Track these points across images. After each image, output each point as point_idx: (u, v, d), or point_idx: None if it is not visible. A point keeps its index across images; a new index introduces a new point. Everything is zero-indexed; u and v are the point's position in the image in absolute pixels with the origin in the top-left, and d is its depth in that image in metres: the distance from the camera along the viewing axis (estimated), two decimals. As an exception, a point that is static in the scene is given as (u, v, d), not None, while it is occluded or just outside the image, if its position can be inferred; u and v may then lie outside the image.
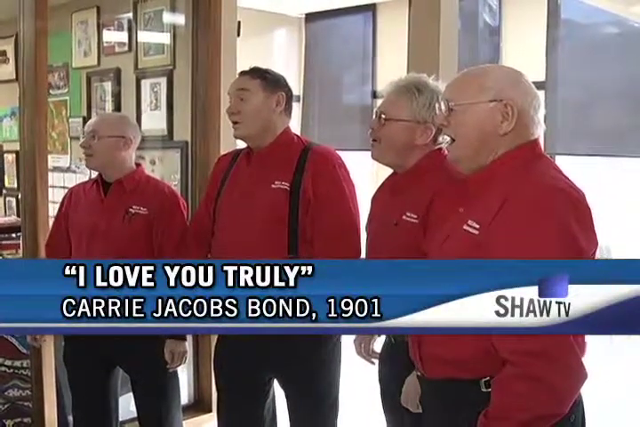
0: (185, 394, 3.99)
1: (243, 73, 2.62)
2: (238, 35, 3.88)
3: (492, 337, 1.60)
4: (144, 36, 4.23)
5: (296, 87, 8.40)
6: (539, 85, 6.98)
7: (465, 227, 1.69)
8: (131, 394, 3.35)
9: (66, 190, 4.13)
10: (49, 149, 4.85)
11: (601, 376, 4.70)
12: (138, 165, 2.98)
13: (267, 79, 2.56)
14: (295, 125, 8.28)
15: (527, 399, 1.54)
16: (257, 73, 2.57)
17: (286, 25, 8.30)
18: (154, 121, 4.17)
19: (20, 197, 3.73)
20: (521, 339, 1.53)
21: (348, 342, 2.81)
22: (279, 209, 2.49)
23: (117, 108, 4.42)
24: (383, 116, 2.24)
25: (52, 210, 3.23)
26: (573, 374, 1.56)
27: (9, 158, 5.21)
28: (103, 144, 2.83)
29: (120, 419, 3.18)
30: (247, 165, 2.63)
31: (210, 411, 3.96)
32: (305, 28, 8.39)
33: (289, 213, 2.49)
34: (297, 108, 8.50)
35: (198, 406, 4.11)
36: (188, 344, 3.60)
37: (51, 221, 3.22)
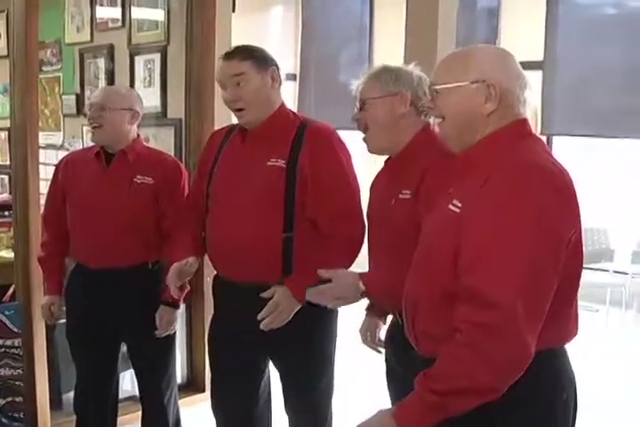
0: (179, 374, 3.97)
1: (228, 57, 2.48)
2: (233, 10, 3.81)
3: (457, 306, 1.60)
4: (138, 12, 4.16)
5: (292, 65, 8.34)
6: (537, 65, 6.95)
7: (450, 206, 1.70)
8: (125, 374, 3.36)
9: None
10: (41, 127, 4.82)
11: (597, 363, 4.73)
12: (138, 135, 2.96)
13: (256, 58, 2.46)
14: (291, 104, 8.23)
15: (465, 369, 1.55)
16: (245, 54, 2.46)
17: (283, 2, 8.22)
18: (148, 98, 4.09)
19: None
20: (476, 310, 1.55)
21: (347, 326, 2.78)
22: (275, 187, 2.44)
23: (111, 85, 4.34)
24: (362, 101, 2.26)
25: (45, 187, 3.18)
26: (516, 353, 1.55)
27: (1, 135, 5.15)
28: (113, 116, 2.82)
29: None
30: (241, 141, 2.56)
31: (203, 391, 3.96)
32: (302, 5, 8.32)
33: (285, 190, 2.44)
34: (293, 87, 8.46)
35: (192, 385, 4.11)
36: (182, 324, 3.62)
37: (42, 199, 3.19)
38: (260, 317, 2.37)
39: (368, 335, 2.50)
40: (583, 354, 4.26)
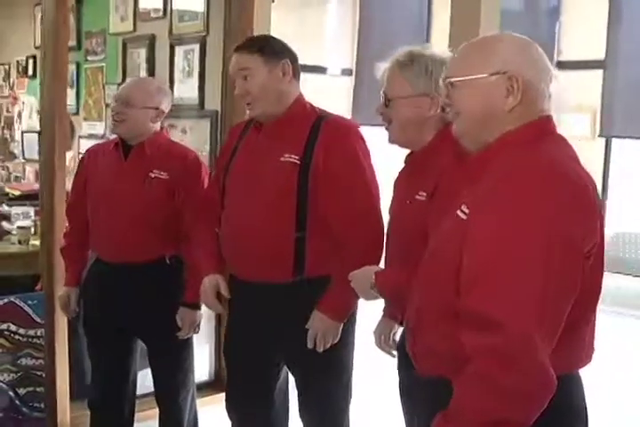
0: (206, 372, 3.93)
1: (238, 49, 2.42)
2: (273, 0, 3.71)
3: (462, 331, 1.44)
4: (179, 2, 4.11)
5: (349, 61, 8.24)
6: (598, 64, 6.69)
7: (458, 211, 1.54)
8: (148, 370, 3.31)
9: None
10: (85, 116, 4.84)
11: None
12: (161, 127, 2.90)
13: (265, 51, 2.37)
14: (346, 99, 8.13)
15: (480, 401, 1.39)
16: (254, 47, 2.39)
17: (340, -4, 8.12)
18: (186, 89, 4.06)
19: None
20: (481, 333, 1.38)
21: (365, 333, 2.68)
22: (287, 184, 2.35)
23: (151, 75, 4.32)
24: (385, 96, 2.11)
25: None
26: (530, 377, 1.37)
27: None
28: (136, 114, 2.75)
29: (138, 393, 3.15)
30: (256, 136, 2.49)
31: (230, 389, 3.89)
32: (360, -1, 8.20)
33: (298, 188, 2.35)
34: (349, 83, 8.35)
35: (218, 383, 4.03)
36: (211, 322, 3.55)
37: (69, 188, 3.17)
38: (309, 346, 2.39)
39: (382, 338, 2.39)
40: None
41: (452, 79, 1.60)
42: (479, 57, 1.57)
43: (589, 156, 6.66)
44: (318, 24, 7.78)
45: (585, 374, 1.60)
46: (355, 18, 8.22)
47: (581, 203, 1.45)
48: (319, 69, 7.77)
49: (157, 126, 2.85)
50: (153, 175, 2.76)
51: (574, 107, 6.53)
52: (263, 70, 2.36)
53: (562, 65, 6.50)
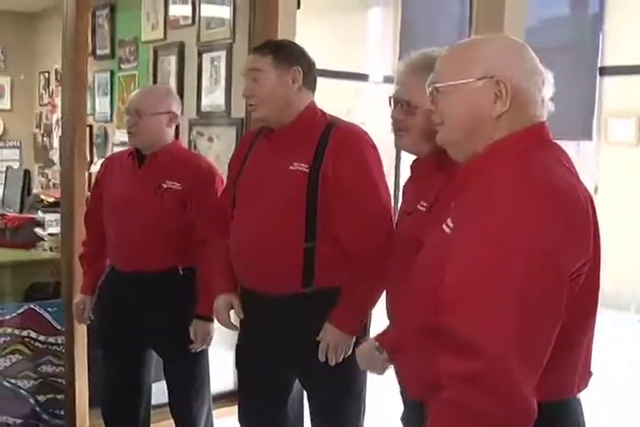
0: (229, 382, 3.88)
1: (254, 49, 2.41)
2: (298, 7, 3.67)
3: (439, 357, 1.35)
4: (207, 9, 4.10)
5: (391, 68, 8.17)
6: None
7: (444, 225, 1.45)
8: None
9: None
10: (117, 124, 4.87)
11: None
12: (177, 136, 2.88)
13: (279, 55, 2.33)
14: (389, 108, 8.06)
15: None
16: (268, 49, 2.35)
17: (382, 2, 8.06)
18: (213, 96, 4.05)
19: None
20: (458, 359, 1.29)
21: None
22: (297, 193, 2.29)
23: (180, 83, 4.32)
24: (410, 104, 1.95)
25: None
26: (507, 405, 1.26)
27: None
28: (149, 122, 2.74)
29: (154, 403, 3.13)
30: (267, 144, 2.44)
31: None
32: (402, 5, 8.13)
33: (307, 197, 2.29)
34: (391, 90, 8.29)
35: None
36: (235, 331, 3.50)
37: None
38: (321, 360, 2.34)
39: None
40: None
41: (437, 84, 1.51)
42: (465, 60, 1.48)
43: (634, 162, 6.48)
44: (360, 31, 7.73)
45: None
46: (396, 25, 8.15)
47: (572, 217, 1.35)
48: (361, 77, 7.72)
49: (172, 132, 2.83)
50: (166, 186, 2.73)
51: (619, 112, 6.37)
52: (272, 74, 2.32)
53: (606, 70, 6.36)
